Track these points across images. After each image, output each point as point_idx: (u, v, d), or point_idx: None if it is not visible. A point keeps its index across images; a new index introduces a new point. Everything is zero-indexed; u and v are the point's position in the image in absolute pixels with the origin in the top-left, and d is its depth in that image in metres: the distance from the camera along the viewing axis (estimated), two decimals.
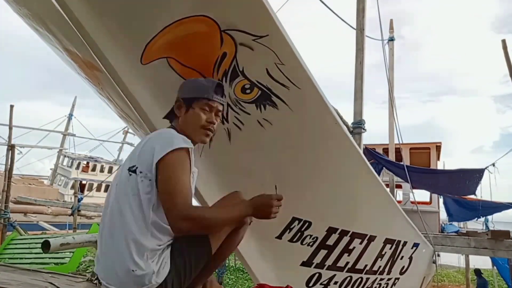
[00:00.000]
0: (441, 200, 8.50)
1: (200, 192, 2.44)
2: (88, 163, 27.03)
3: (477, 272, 9.65)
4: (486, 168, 6.78)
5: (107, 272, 1.55)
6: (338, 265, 3.26)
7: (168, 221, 1.50)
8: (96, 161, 27.65)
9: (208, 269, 1.80)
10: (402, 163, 6.48)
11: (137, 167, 1.58)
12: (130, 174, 1.59)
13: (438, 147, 8.98)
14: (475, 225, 10.22)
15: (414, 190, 6.54)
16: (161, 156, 1.54)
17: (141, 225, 1.52)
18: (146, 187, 1.55)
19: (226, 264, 7.32)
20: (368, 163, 3.04)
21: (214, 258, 1.76)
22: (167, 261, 1.57)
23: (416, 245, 4.11)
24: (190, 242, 1.65)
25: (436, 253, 5.17)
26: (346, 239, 3.14)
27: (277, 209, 1.72)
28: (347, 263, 3.30)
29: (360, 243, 3.27)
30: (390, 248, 3.64)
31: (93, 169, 27.02)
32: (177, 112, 1.82)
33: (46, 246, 2.93)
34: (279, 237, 2.89)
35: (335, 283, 3.36)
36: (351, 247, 3.22)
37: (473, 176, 6.86)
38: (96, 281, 1.71)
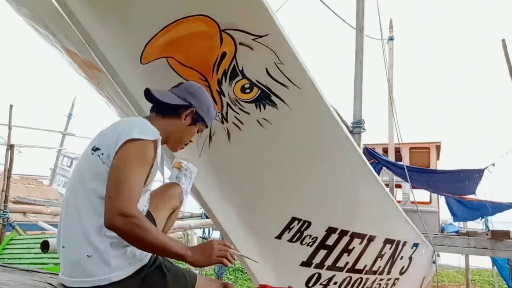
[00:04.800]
0: (442, 200, 8.49)
1: (199, 191, 2.43)
2: None
3: None
4: (486, 168, 6.77)
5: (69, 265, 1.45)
6: (337, 265, 3.26)
7: (105, 211, 1.34)
8: None
9: None
10: (402, 163, 6.47)
11: (99, 148, 1.49)
12: (92, 154, 1.49)
13: (438, 147, 8.95)
14: (475, 225, 10.21)
15: (414, 190, 6.53)
16: (125, 140, 1.42)
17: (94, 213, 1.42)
18: (106, 172, 1.43)
19: None
20: (367, 163, 3.04)
21: None
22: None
23: (416, 245, 4.10)
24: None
25: (436, 253, 5.16)
26: (345, 239, 3.14)
27: (222, 252, 1.50)
28: (347, 263, 3.30)
29: (360, 243, 3.26)
30: (390, 248, 3.63)
31: None
32: (182, 118, 1.69)
33: (45, 246, 2.92)
34: (279, 237, 2.89)
35: (335, 283, 3.35)
36: (350, 247, 3.21)
37: (473, 176, 6.85)
38: None
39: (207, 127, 1.83)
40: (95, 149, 1.50)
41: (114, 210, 1.32)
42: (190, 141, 1.81)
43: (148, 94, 1.68)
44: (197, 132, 1.81)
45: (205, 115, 1.76)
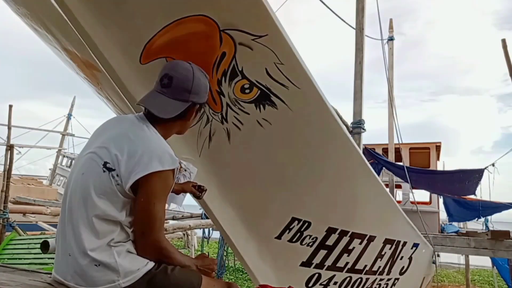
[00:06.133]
0: (441, 200, 8.50)
1: None
2: None
3: None
4: (485, 168, 6.78)
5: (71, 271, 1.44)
6: (337, 265, 3.26)
7: (138, 244, 1.48)
8: None
9: None
10: (401, 163, 6.48)
11: (114, 169, 1.44)
12: (104, 171, 1.44)
13: (438, 147, 8.96)
14: (475, 225, 10.21)
15: (414, 190, 6.54)
16: (146, 173, 1.42)
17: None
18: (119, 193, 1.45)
19: (226, 264, 7.31)
20: (367, 163, 3.04)
21: None
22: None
23: (415, 245, 4.10)
24: None
25: (436, 253, 5.16)
26: (345, 239, 3.14)
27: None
28: (347, 263, 3.30)
29: (360, 243, 3.26)
30: (390, 248, 3.63)
31: None
32: (190, 118, 1.67)
33: (45, 246, 2.93)
34: (279, 237, 2.88)
35: (335, 283, 3.35)
36: (350, 247, 3.21)
37: (473, 176, 6.86)
38: None
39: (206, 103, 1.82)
40: (109, 168, 1.45)
41: (148, 244, 1.48)
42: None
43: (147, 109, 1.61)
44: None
45: (206, 99, 1.72)
